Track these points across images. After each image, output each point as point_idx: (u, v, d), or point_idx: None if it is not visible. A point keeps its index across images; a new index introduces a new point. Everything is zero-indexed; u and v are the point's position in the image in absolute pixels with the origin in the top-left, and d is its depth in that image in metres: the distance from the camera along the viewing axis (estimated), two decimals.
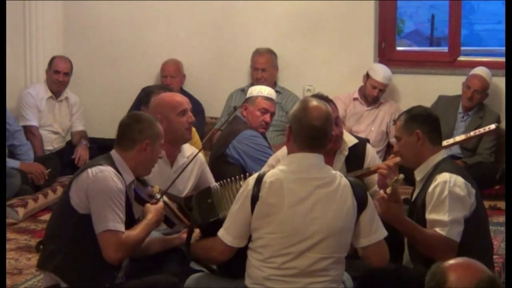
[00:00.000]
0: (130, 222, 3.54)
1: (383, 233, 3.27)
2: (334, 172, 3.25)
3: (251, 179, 3.23)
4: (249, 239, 3.24)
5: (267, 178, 3.18)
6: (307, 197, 3.15)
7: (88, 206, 3.45)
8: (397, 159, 3.98)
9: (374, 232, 3.25)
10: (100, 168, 3.48)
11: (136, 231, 3.50)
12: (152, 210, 3.59)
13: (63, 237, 3.49)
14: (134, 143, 3.59)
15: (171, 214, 3.85)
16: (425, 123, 3.70)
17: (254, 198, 3.17)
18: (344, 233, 3.18)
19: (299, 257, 3.14)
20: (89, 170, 3.49)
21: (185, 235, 3.83)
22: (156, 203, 3.66)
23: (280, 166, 3.26)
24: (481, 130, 4.49)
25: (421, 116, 3.73)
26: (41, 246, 3.69)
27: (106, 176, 3.45)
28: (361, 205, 3.21)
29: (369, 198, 3.26)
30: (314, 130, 3.21)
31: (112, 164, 3.54)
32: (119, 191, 3.45)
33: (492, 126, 4.45)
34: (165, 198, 3.77)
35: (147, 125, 3.63)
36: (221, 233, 3.26)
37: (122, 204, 3.46)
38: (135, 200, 3.67)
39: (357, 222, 3.21)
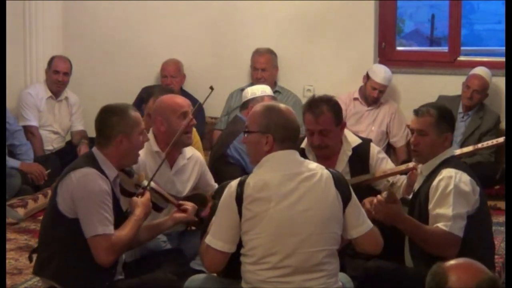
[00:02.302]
0: (118, 216, 3.50)
1: (370, 222, 3.33)
2: (314, 165, 3.30)
3: (234, 183, 3.24)
4: (241, 245, 3.22)
5: (250, 180, 3.20)
6: (293, 192, 3.18)
7: (76, 211, 3.41)
8: (410, 164, 4.03)
9: (363, 222, 3.29)
10: (83, 172, 3.43)
11: (126, 230, 3.46)
12: (140, 204, 3.56)
13: (56, 242, 3.46)
14: (110, 139, 3.53)
15: (159, 199, 3.83)
16: (452, 126, 3.74)
17: (239, 200, 3.17)
18: (332, 223, 3.20)
19: (293, 254, 3.14)
20: (72, 174, 3.44)
21: (176, 214, 3.81)
22: (143, 193, 3.63)
23: (260, 169, 3.27)
24: (489, 142, 4.56)
25: (452, 120, 3.75)
26: (33, 255, 3.66)
27: (89, 179, 3.41)
28: (346, 198, 3.25)
29: (352, 190, 3.29)
30: (297, 131, 3.35)
31: (94, 162, 3.49)
32: (104, 192, 3.42)
33: (501, 140, 4.47)
34: (152, 184, 3.74)
35: (117, 120, 3.54)
36: (208, 239, 3.24)
37: (109, 205, 3.42)
38: (121, 193, 3.65)
39: (344, 215, 3.24)
